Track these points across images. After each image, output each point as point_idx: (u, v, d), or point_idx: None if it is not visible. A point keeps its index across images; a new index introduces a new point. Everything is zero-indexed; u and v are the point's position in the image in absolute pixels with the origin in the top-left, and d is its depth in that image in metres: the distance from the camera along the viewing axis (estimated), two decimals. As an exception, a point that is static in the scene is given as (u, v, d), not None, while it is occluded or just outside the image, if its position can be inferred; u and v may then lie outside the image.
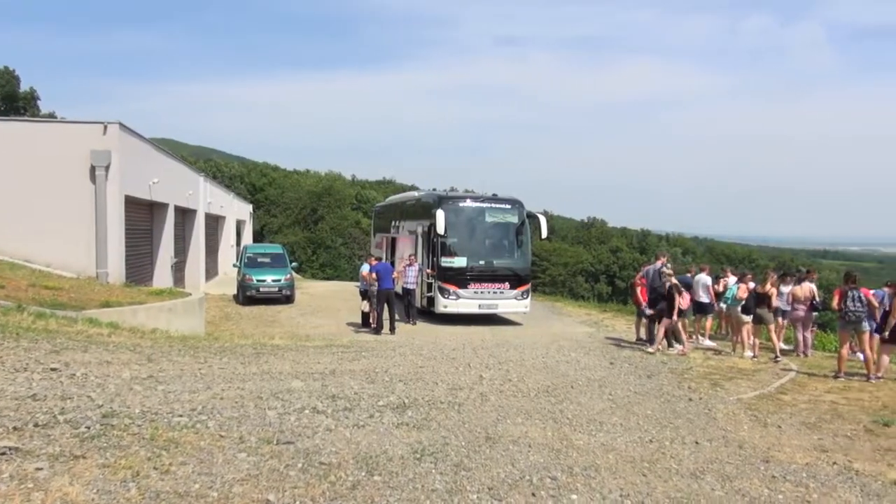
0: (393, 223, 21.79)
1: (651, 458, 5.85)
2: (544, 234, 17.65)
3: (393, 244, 21.60)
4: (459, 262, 16.08)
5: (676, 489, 5.13)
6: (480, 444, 6.00)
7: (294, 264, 23.02)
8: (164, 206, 19.35)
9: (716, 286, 13.99)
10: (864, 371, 10.07)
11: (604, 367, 10.59)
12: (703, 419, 7.37)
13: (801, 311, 12.50)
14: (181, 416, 6.03)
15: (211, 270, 28.85)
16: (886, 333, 9.83)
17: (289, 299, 20.12)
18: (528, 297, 16.81)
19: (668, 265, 12.99)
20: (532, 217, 17.35)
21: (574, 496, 4.89)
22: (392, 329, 14.33)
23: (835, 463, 5.95)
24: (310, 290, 25.09)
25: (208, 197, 26.45)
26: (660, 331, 12.31)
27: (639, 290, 13.12)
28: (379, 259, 16.55)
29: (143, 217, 18.35)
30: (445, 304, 16.04)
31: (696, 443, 6.40)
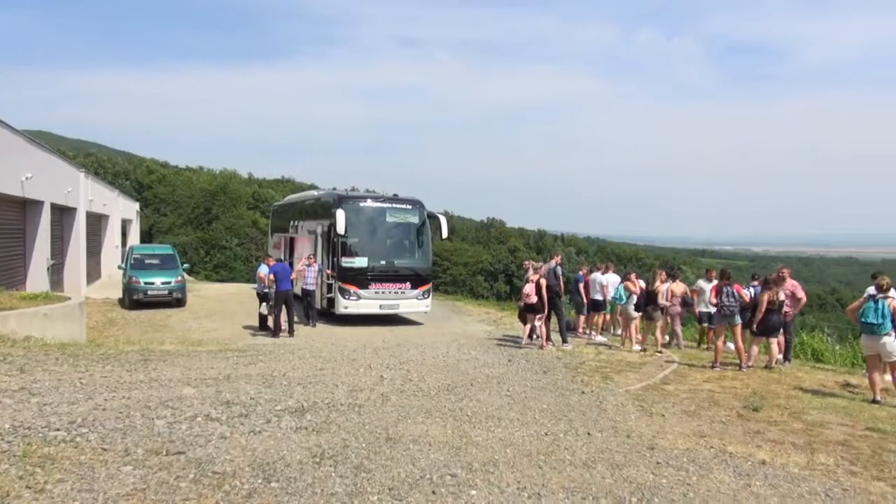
0: (291, 223, 21.29)
1: (546, 451, 6.06)
2: (445, 234, 17.82)
3: (292, 244, 21.11)
4: (360, 262, 15.95)
5: (570, 479, 5.35)
6: (381, 445, 5.99)
7: (185, 266, 21.97)
8: (39, 203, 17.91)
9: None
10: (737, 361, 10.90)
11: (502, 364, 10.85)
12: (594, 411, 7.71)
13: (677, 306, 13.34)
14: (58, 429, 5.64)
15: (93, 273, 27.01)
16: (755, 326, 10.69)
17: (180, 302, 19.19)
18: (429, 296, 16.94)
19: (533, 263, 13.54)
20: (433, 217, 17.48)
21: (473, 492, 4.99)
22: (291, 331, 14.01)
23: (711, 447, 6.40)
24: (203, 292, 24.04)
25: (90, 194, 24.75)
26: (541, 327, 12.77)
27: (543, 289, 13.52)
28: (278, 260, 16.12)
29: (14, 216, 16.89)
30: (346, 305, 15.86)
31: (589, 434, 6.70)
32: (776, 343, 10.99)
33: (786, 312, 11.06)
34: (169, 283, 19.02)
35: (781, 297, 10.74)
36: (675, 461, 5.90)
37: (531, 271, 12.96)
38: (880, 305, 8.48)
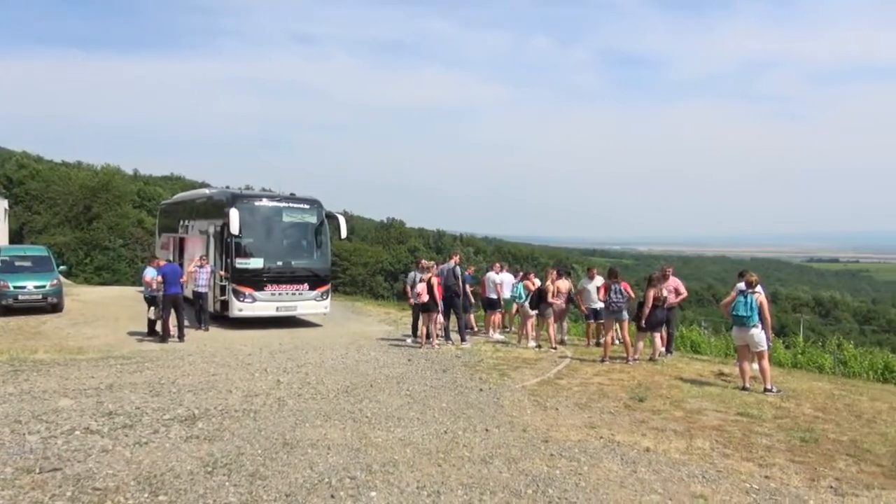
0: (181, 222, 20.32)
1: (446, 449, 6.15)
2: (343, 234, 17.60)
3: (181, 245, 20.14)
4: (255, 263, 15.46)
5: (468, 475, 5.45)
6: (278, 451, 5.86)
7: (62, 268, 20.39)
8: None
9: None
10: (624, 355, 11.49)
11: (402, 364, 10.88)
12: (492, 407, 7.89)
13: (563, 303, 13.82)
14: (-89, 450, 5.10)
15: (-48, 277, 24.51)
16: (642, 322, 11.32)
17: (56, 308, 17.78)
18: (327, 297, 16.67)
19: (424, 262, 13.74)
20: (331, 217, 17.23)
21: (373, 493, 4.98)
22: (181, 336, 13.35)
23: (601, 437, 6.72)
24: (83, 296, 22.44)
25: (-52, 190, 22.48)
26: (432, 326, 12.94)
27: (435, 288, 13.67)
28: (168, 261, 15.32)
29: None
30: (241, 308, 15.32)
31: (486, 430, 6.85)
32: (659, 337, 11.69)
33: (670, 307, 11.79)
34: (43, 286, 17.59)
35: (665, 293, 11.44)
36: (568, 452, 6.15)
37: (424, 271, 13.12)
38: (749, 300, 9.22)
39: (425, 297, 12.67)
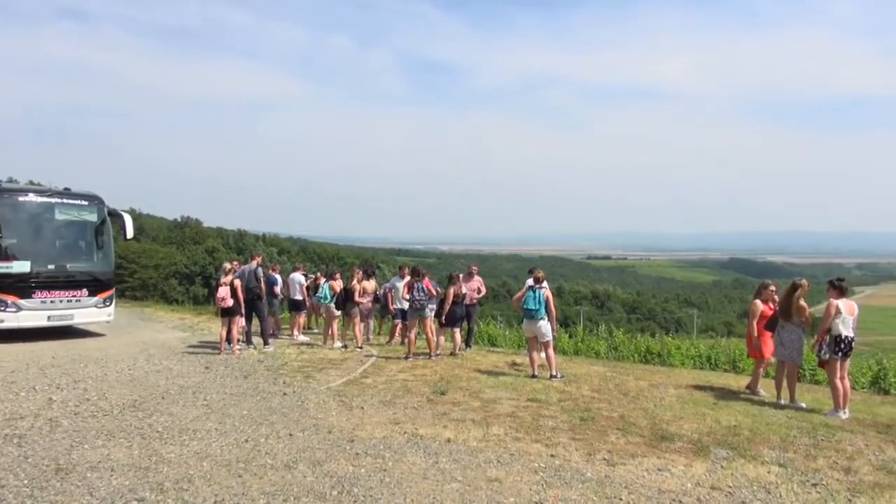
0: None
1: (247, 458, 5.91)
2: (130, 234, 16.06)
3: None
4: (21, 266, 13.53)
5: (271, 483, 5.29)
6: (49, 479, 5.21)
7: None
8: None
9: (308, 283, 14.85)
10: (427, 351, 11.91)
11: (199, 372, 10.23)
12: (296, 411, 7.73)
13: (369, 303, 13.98)
14: None
15: None
16: (443, 318, 11.81)
17: None
18: (111, 304, 15.12)
19: (225, 265, 13.21)
20: (115, 215, 15.65)
21: (165, 513, 4.63)
22: (-81, 355, 11.28)
23: (405, 432, 6.90)
24: None
25: None
26: (232, 330, 12.41)
27: (238, 291, 13.02)
28: None
29: None
30: (2, 319, 13.33)
31: (291, 435, 6.70)
32: (459, 332, 12.28)
33: (470, 304, 12.45)
34: None
35: (464, 290, 12.05)
36: (373, 450, 6.23)
37: (224, 274, 12.48)
38: (537, 294, 10.05)
39: (229, 302, 12.05)
